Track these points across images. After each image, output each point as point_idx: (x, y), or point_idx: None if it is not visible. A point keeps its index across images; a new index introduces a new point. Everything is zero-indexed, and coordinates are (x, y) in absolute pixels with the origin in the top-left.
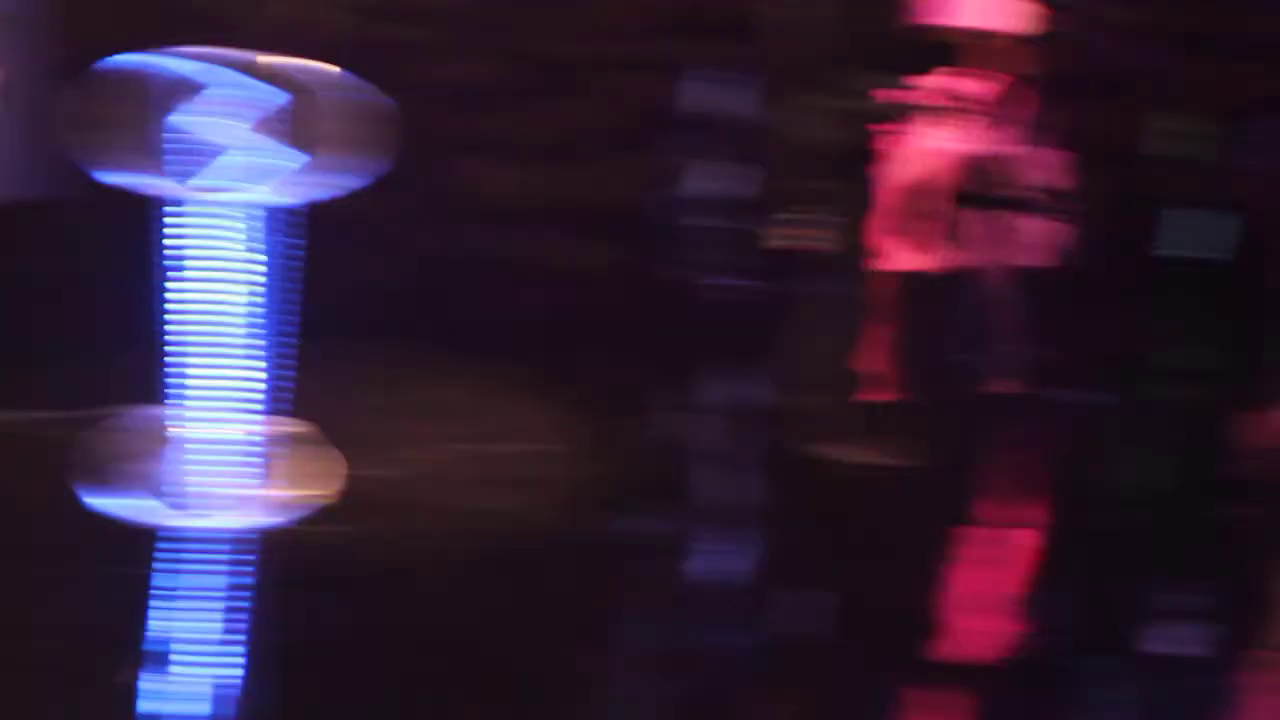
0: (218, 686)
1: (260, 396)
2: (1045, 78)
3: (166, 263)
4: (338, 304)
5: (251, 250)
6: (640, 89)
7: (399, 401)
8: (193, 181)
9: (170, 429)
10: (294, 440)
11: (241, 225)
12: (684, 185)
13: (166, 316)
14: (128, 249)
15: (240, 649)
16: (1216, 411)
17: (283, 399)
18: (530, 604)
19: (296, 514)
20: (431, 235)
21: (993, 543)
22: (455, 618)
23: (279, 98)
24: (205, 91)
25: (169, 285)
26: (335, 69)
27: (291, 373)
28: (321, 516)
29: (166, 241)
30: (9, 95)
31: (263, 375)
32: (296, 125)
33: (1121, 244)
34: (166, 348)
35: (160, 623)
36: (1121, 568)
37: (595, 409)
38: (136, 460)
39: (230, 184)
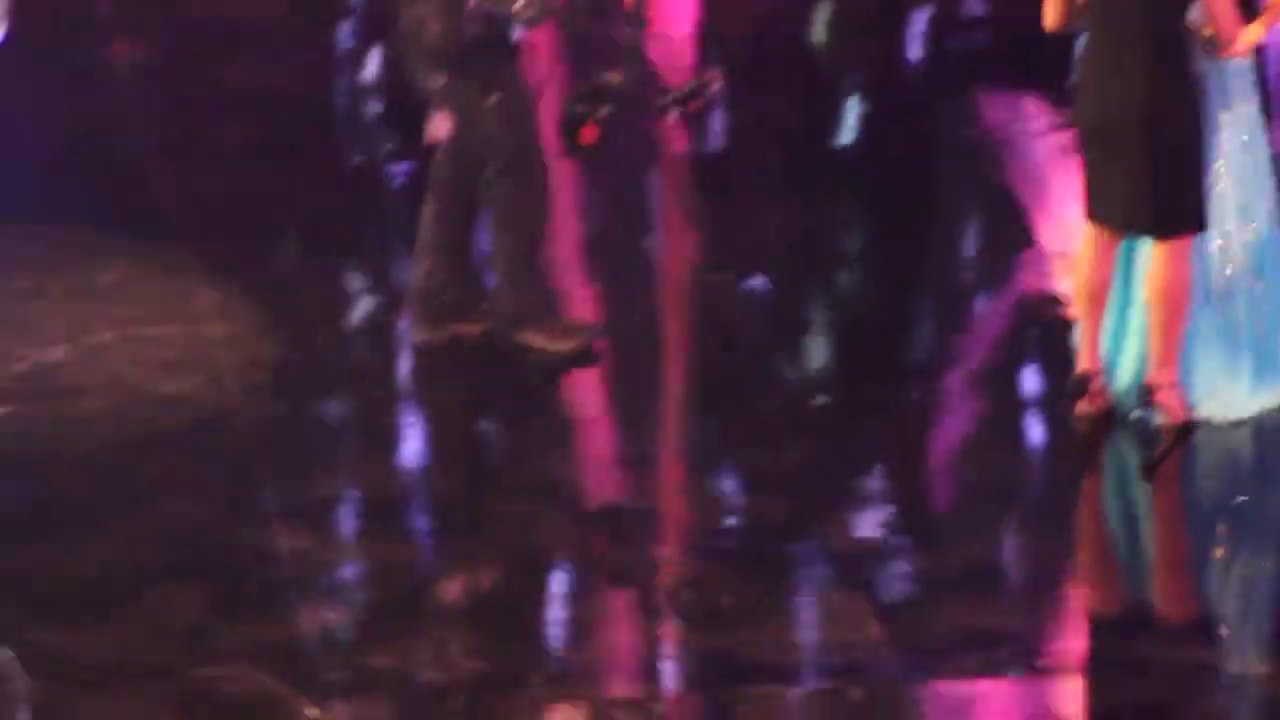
0: None
1: None
2: None
3: None
4: None
5: None
6: None
7: (55, 285)
8: None
9: None
10: None
11: None
12: (356, 72)
13: None
14: None
15: None
16: (882, 297)
17: None
18: (189, 484)
19: None
20: (91, 112)
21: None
22: (119, 499)
23: None
24: None
25: None
26: None
27: None
28: None
29: None
30: None
31: None
32: None
33: (790, 133)
34: None
35: None
36: (803, 451)
37: (270, 291)
38: None
39: None
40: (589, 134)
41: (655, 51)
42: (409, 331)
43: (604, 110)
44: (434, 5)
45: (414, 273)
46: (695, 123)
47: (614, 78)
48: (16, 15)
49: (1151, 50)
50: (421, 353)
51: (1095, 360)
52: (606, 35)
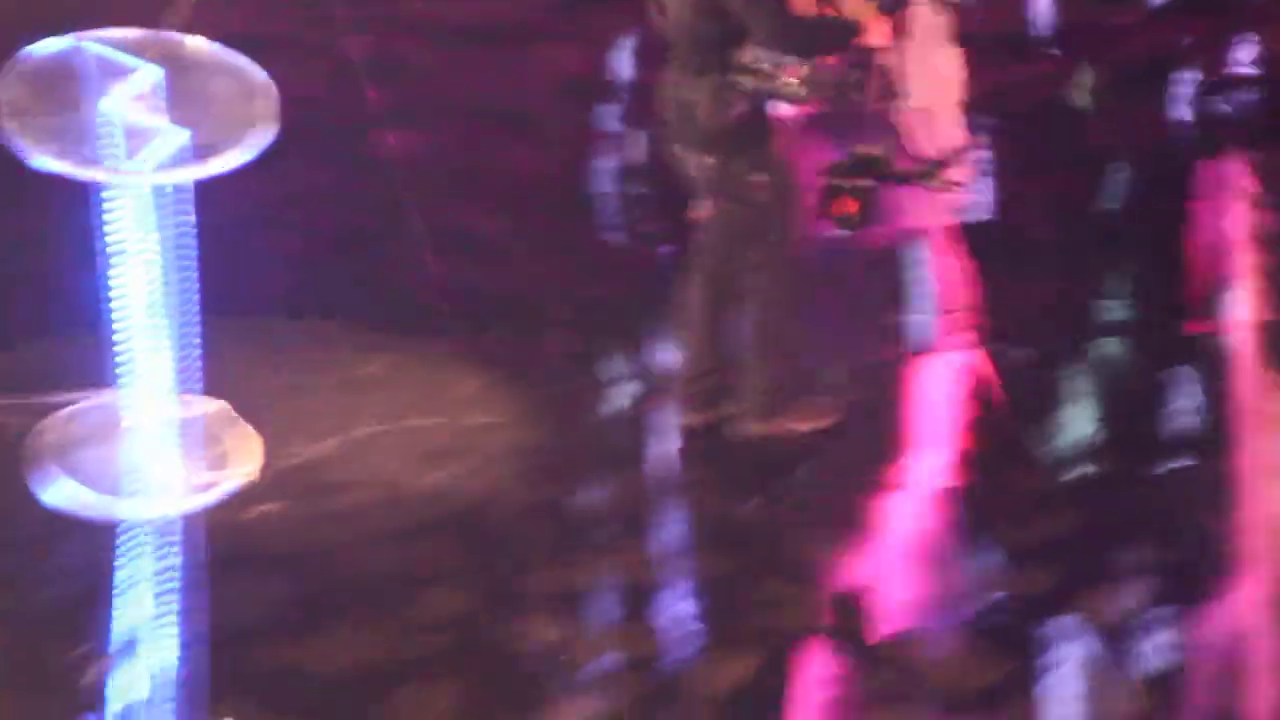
0: (162, 668)
1: (186, 377)
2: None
3: (99, 245)
4: (251, 281)
5: (166, 229)
6: (560, 59)
7: (320, 379)
8: (112, 164)
9: (114, 415)
10: (218, 421)
11: (157, 205)
12: (614, 154)
13: (105, 300)
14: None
15: (180, 630)
16: (1154, 365)
17: (201, 379)
18: (452, 575)
19: (224, 495)
20: (348, 208)
21: (923, 503)
22: (385, 592)
23: (170, 75)
24: (116, 74)
25: (103, 268)
26: (219, 46)
27: (203, 353)
28: (250, 497)
29: (99, 224)
30: None
31: (187, 356)
32: (185, 102)
33: (1055, 200)
34: (108, 331)
35: (109, 607)
36: (1067, 524)
37: (531, 379)
38: (84, 446)
39: (144, 165)
40: (850, 206)
41: (912, 123)
42: (675, 416)
43: (865, 183)
44: (703, 87)
45: (679, 357)
46: (952, 191)
47: (874, 150)
48: (286, 109)
49: None
50: (687, 437)
51: None
52: (865, 109)
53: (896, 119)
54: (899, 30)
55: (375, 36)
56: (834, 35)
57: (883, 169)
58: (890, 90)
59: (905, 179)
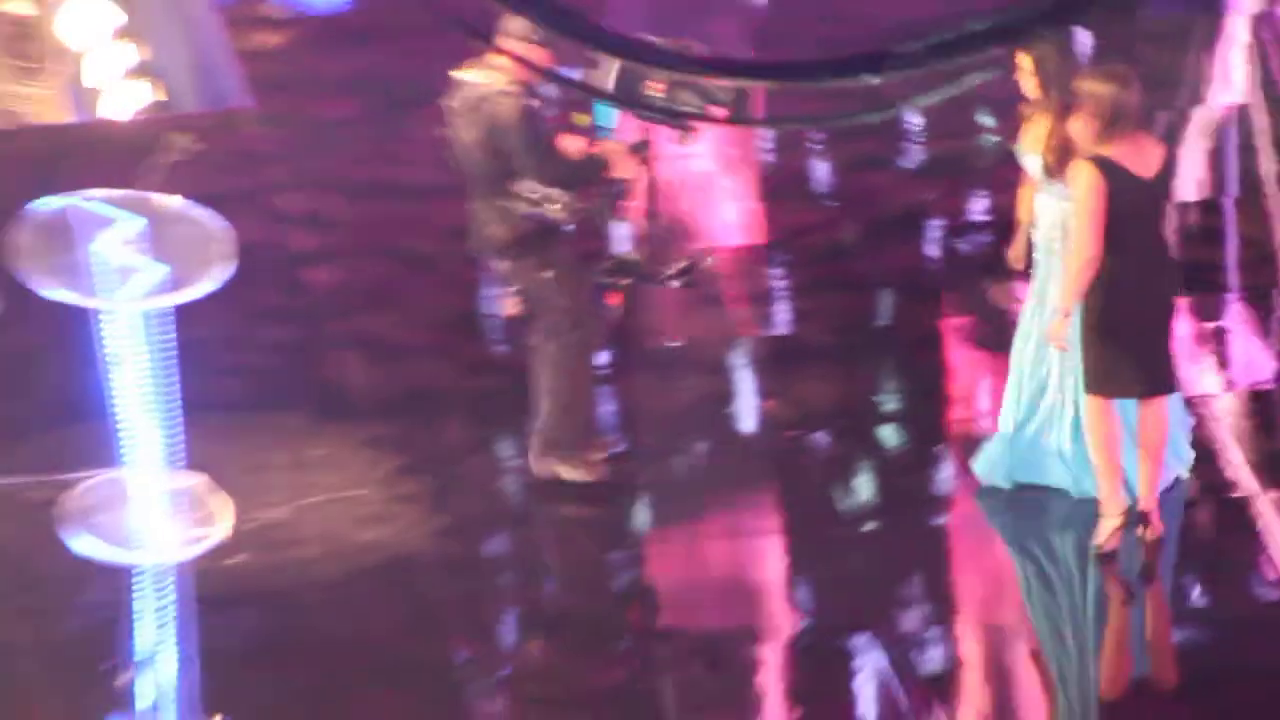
0: (165, 681)
1: (173, 457)
2: None
3: (99, 354)
4: (220, 383)
5: (151, 343)
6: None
7: (274, 458)
8: (106, 294)
9: (121, 487)
10: (200, 491)
11: (143, 325)
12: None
13: (107, 396)
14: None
15: (177, 651)
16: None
17: (185, 458)
18: (397, 612)
19: (206, 548)
20: (291, 325)
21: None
22: (341, 627)
23: (149, 224)
24: (108, 224)
25: (105, 371)
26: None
27: (185, 438)
28: (224, 549)
29: (99, 338)
30: None
31: (173, 440)
32: (161, 245)
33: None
34: (111, 420)
35: (125, 632)
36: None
37: (437, 458)
38: (102, 511)
39: (127, 293)
40: (614, 299)
41: (667, 232)
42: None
43: (625, 281)
44: (490, 209)
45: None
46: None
47: (632, 255)
48: (239, 250)
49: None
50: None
51: (1121, 501)
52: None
53: (652, 230)
54: (645, 163)
55: (304, 192)
56: (590, 170)
57: (637, 270)
58: (641, 209)
59: (657, 280)
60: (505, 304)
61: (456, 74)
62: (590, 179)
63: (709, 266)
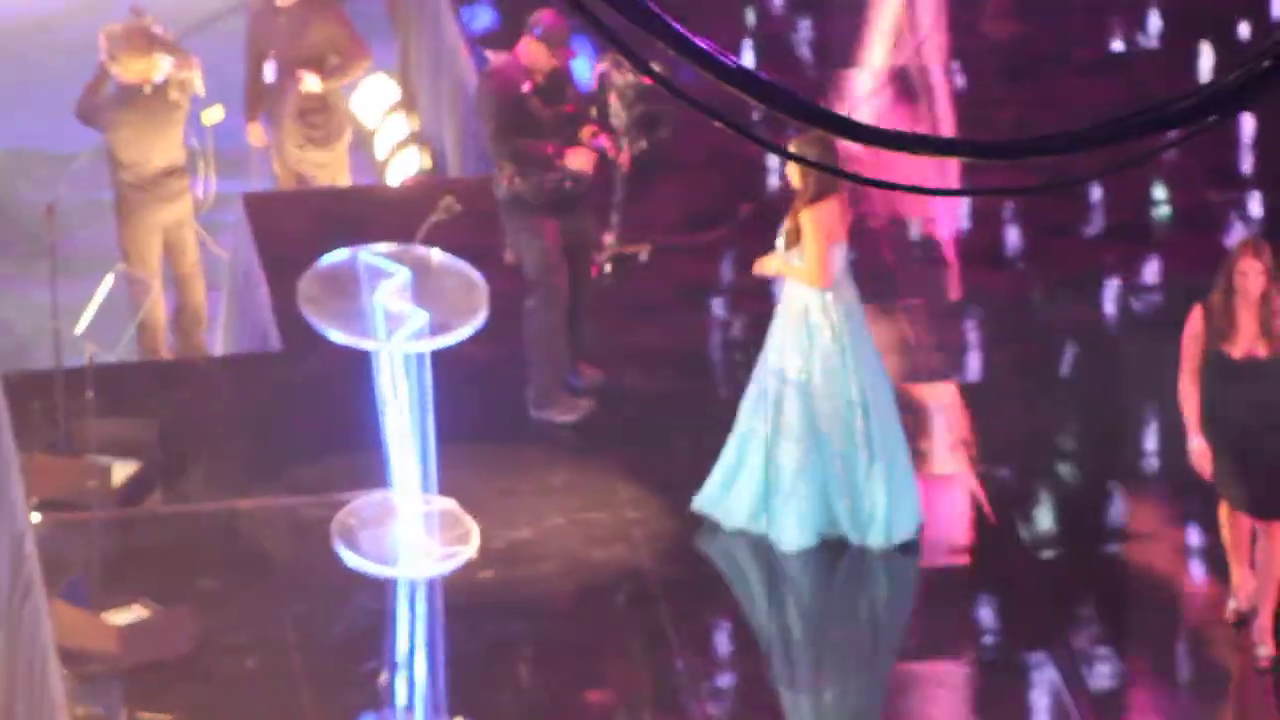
0: (420, 682)
1: (429, 482)
2: None
3: (376, 391)
4: (471, 415)
5: (415, 381)
6: None
7: (520, 484)
8: (378, 336)
9: (388, 506)
10: (452, 514)
11: (409, 365)
12: None
13: (382, 425)
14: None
15: (429, 655)
16: None
17: (439, 484)
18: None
19: (458, 564)
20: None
21: None
22: (581, 637)
23: (415, 275)
24: (380, 275)
25: (380, 407)
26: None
27: (440, 465)
28: (474, 565)
29: (375, 374)
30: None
31: (430, 467)
32: (426, 294)
33: None
34: (381, 449)
35: (389, 637)
36: None
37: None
38: (369, 528)
39: (399, 338)
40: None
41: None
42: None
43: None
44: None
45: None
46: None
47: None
48: (498, 299)
49: None
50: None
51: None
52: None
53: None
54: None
55: None
56: (537, 157)
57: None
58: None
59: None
60: (506, 253)
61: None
62: (538, 164)
63: (643, 260)
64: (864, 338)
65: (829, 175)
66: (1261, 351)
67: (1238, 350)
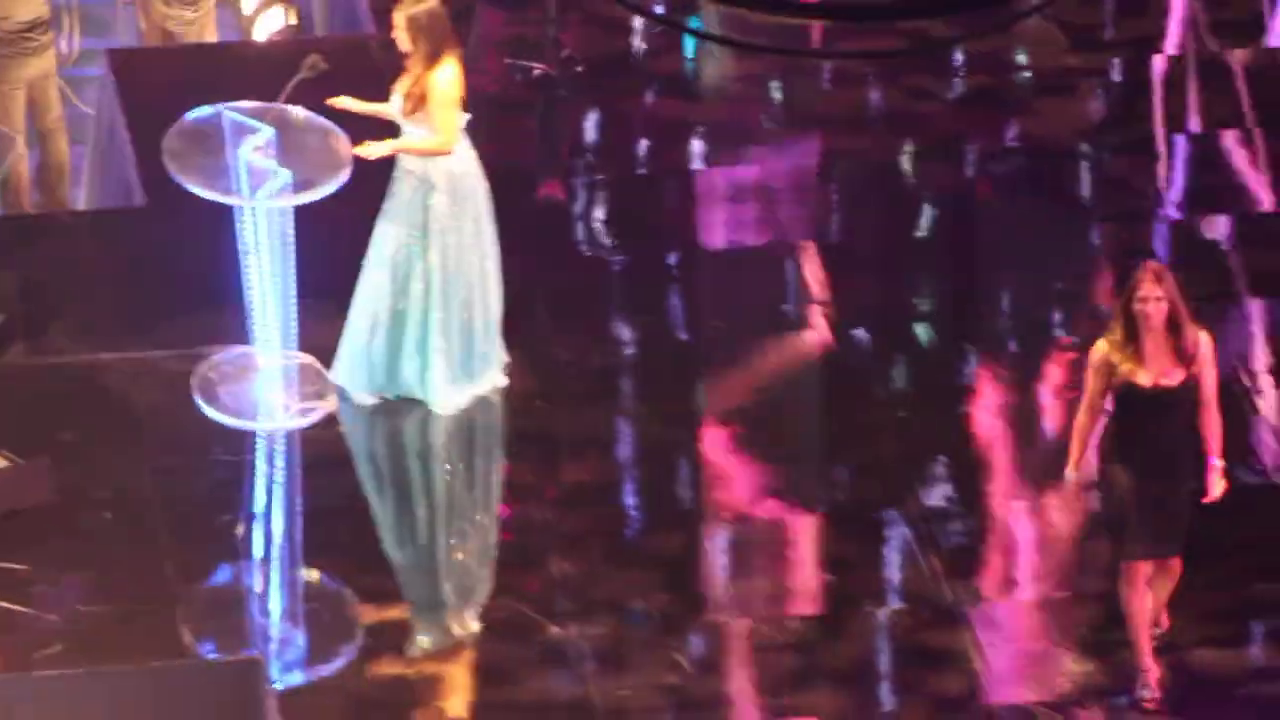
0: (276, 530)
1: (290, 338)
2: None
3: (237, 246)
4: (332, 272)
5: (277, 238)
6: None
7: None
8: (243, 192)
9: (249, 362)
10: (310, 369)
11: (271, 222)
12: None
13: (240, 284)
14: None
15: (285, 504)
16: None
17: (299, 340)
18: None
19: (315, 417)
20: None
21: None
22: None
23: (279, 134)
24: (244, 132)
25: (241, 261)
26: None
27: (299, 321)
28: (329, 419)
29: (235, 233)
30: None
31: (290, 323)
32: (290, 152)
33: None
34: (246, 303)
35: (246, 488)
36: None
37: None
38: (230, 383)
39: (262, 195)
40: None
41: None
42: None
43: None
44: None
45: None
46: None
47: None
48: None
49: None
50: None
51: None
52: None
53: None
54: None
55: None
56: None
57: None
58: None
59: None
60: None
61: None
62: None
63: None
64: (485, 209)
65: (441, 32)
66: (1172, 381)
67: (1146, 380)
